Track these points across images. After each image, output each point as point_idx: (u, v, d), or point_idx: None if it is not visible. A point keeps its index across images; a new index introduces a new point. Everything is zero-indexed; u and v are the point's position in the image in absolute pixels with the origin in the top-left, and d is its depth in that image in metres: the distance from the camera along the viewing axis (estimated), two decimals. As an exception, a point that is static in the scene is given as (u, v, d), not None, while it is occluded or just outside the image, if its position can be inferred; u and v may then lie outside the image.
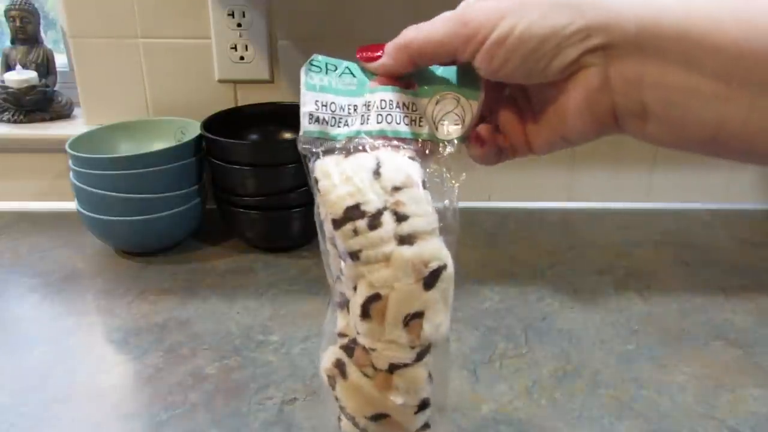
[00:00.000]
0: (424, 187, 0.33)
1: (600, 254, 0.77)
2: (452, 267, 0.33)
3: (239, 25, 0.81)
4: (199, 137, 0.75)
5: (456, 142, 0.35)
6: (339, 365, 0.35)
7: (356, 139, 0.34)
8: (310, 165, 0.34)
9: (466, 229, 0.83)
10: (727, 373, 0.56)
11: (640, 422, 0.50)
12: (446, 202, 0.35)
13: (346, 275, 0.33)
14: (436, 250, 0.32)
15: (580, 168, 0.90)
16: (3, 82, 0.89)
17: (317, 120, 0.34)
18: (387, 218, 0.32)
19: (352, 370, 0.35)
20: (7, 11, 0.89)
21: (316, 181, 0.34)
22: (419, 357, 0.33)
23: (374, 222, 0.31)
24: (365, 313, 0.32)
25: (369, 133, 0.34)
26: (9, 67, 0.91)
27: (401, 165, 0.33)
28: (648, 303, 0.66)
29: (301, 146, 0.35)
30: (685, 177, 0.90)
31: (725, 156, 0.30)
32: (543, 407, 0.51)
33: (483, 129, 0.35)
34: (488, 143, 0.36)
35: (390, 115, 0.34)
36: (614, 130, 0.32)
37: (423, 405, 0.35)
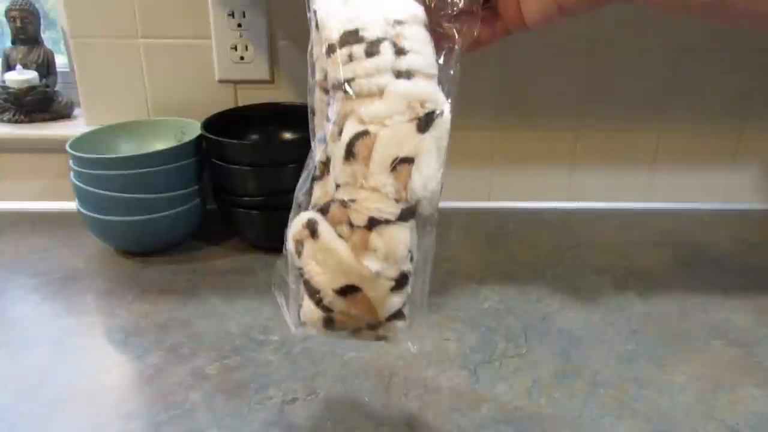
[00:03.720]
0: (427, 31, 0.31)
1: (600, 254, 0.77)
2: (449, 118, 0.30)
3: (239, 25, 0.81)
4: (200, 137, 0.75)
5: (461, 4, 0.33)
6: (310, 225, 0.32)
7: None
8: None
9: (466, 229, 0.84)
10: (727, 373, 0.56)
11: (640, 422, 0.50)
12: (448, 61, 0.33)
13: (335, 113, 0.30)
14: (433, 91, 0.30)
15: (580, 168, 0.90)
16: (4, 82, 0.89)
17: None
18: (386, 48, 0.29)
19: (324, 229, 0.31)
20: (7, 12, 0.89)
21: (315, 13, 0.31)
22: (403, 216, 0.30)
23: (372, 49, 0.29)
24: (350, 153, 0.29)
25: None
26: (9, 68, 0.91)
27: (407, 2, 0.31)
28: (648, 303, 0.66)
29: None
30: (685, 177, 0.90)
31: (730, 19, 0.29)
32: (543, 407, 0.51)
33: (483, 33, 0.35)
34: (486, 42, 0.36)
35: None
36: None
37: (400, 282, 0.31)
